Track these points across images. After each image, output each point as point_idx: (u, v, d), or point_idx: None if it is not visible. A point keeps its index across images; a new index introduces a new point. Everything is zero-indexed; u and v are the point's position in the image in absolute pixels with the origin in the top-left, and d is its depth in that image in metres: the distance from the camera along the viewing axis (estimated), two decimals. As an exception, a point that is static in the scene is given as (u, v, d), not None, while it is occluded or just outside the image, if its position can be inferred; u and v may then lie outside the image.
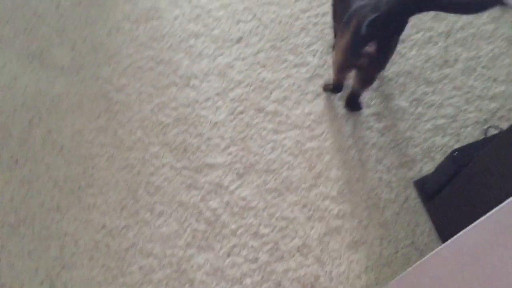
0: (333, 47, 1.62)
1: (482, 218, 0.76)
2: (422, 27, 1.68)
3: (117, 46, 1.62)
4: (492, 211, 0.74)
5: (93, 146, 1.49)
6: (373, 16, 1.21)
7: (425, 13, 1.69)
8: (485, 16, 1.70)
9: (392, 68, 1.62)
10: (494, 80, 1.62)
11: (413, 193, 1.43)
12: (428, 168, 1.46)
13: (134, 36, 1.62)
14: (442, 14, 1.70)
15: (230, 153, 1.48)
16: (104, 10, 1.65)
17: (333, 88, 1.55)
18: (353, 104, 1.54)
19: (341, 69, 1.44)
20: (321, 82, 1.60)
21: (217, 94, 1.57)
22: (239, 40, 1.64)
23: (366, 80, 1.42)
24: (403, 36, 1.51)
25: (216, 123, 1.52)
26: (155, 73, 1.59)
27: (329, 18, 1.69)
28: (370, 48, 1.28)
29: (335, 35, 1.59)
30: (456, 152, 1.25)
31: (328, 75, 1.60)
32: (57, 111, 1.54)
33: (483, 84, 1.61)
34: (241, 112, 1.54)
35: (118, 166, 1.45)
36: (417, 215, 1.39)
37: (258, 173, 1.45)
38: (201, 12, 1.68)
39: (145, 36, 1.62)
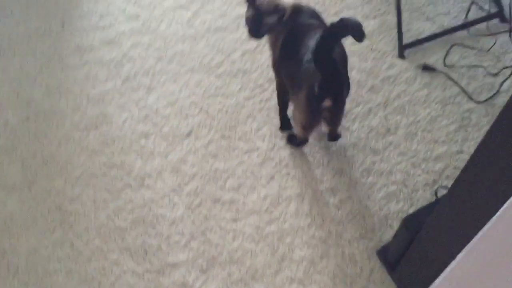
0: (281, 127, 1.69)
1: (440, 278, 0.78)
2: (360, 100, 1.77)
3: (68, 157, 1.63)
4: (447, 269, 0.77)
5: (50, 262, 1.45)
6: (318, 78, 1.33)
7: (362, 86, 1.80)
8: (417, 83, 1.82)
9: (338, 143, 1.68)
10: (436, 141, 1.70)
11: (377, 264, 1.43)
12: (387, 236, 1.48)
13: (84, 145, 1.64)
14: (378, 86, 1.80)
15: (191, 249, 1.47)
16: (53, 123, 1.67)
17: (300, 143, 1.66)
18: (334, 137, 1.67)
19: (308, 128, 1.53)
20: (273, 164, 1.63)
21: (173, 191, 1.58)
22: (189, 134, 1.69)
23: (336, 121, 1.54)
24: (345, 111, 1.59)
25: (174, 220, 1.52)
26: (108, 178, 1.60)
27: (273, 102, 1.76)
28: (327, 102, 1.38)
29: (280, 112, 1.69)
30: (407, 219, 1.29)
31: (276, 153, 1.64)
32: (10, 230, 1.51)
33: (426, 147, 1.69)
34: (198, 205, 1.55)
35: (78, 280, 1.41)
36: (385, 286, 1.39)
37: (221, 265, 1.44)
38: (149, 112, 1.72)
39: (96, 142, 1.64)
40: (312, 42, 1.37)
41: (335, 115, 1.47)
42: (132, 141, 1.66)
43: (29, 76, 1.76)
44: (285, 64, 1.50)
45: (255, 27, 1.46)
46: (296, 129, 1.60)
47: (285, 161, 1.65)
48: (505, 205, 0.74)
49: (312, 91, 1.36)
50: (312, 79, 1.35)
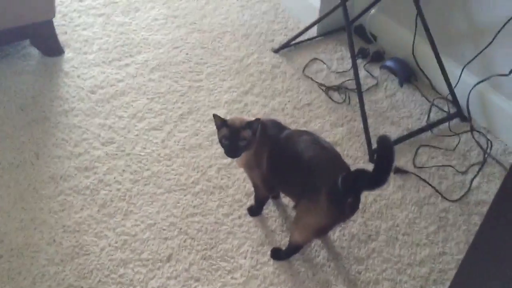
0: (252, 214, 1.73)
1: None
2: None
3: (43, 293, 1.56)
4: None
5: None
6: (343, 175, 1.38)
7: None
8: (391, 186, 1.86)
9: (321, 254, 1.67)
10: (417, 244, 1.70)
11: None
12: None
13: (60, 279, 1.57)
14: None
15: None
16: (27, 259, 1.61)
17: (259, 211, 1.76)
18: None
19: (325, 233, 1.62)
20: (257, 282, 1.59)
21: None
22: (169, 258, 1.65)
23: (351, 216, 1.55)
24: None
25: None
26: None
27: (251, 218, 1.76)
28: (350, 199, 1.42)
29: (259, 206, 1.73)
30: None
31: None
32: None
33: (408, 251, 1.69)
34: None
35: None
36: None
37: None
38: (127, 238, 1.69)
39: (73, 276, 1.58)
40: (302, 146, 1.49)
41: (353, 210, 1.48)
42: (110, 271, 1.60)
43: (2, 211, 1.72)
44: (279, 174, 1.55)
45: (233, 144, 1.50)
46: (305, 238, 1.57)
47: (270, 278, 1.61)
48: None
49: (334, 189, 1.39)
50: (330, 180, 1.40)
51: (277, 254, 1.66)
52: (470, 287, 1.10)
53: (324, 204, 1.42)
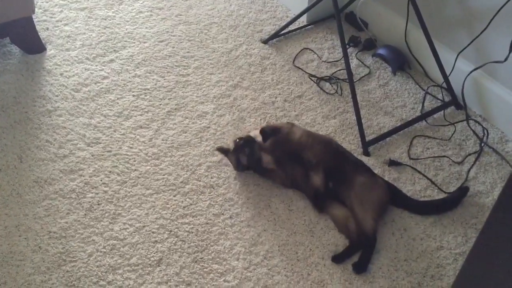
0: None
1: None
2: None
3: (30, 303, 1.51)
4: None
5: None
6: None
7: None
8: (386, 180, 1.81)
9: (315, 253, 1.62)
10: (414, 239, 1.66)
11: None
12: None
13: (47, 288, 1.53)
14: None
15: None
16: (12, 268, 1.56)
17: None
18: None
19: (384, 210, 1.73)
20: (251, 285, 1.55)
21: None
22: (159, 262, 1.60)
23: None
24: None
25: None
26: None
27: (244, 216, 1.71)
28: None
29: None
30: None
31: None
32: None
33: (405, 247, 1.64)
34: None
35: None
36: None
37: None
38: (116, 243, 1.64)
39: (60, 284, 1.53)
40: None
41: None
42: (99, 278, 1.55)
43: (-15, 218, 1.67)
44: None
45: (254, 159, 1.76)
46: (376, 216, 1.64)
47: (263, 280, 1.56)
48: None
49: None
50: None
51: (359, 267, 1.57)
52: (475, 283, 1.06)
53: (380, 179, 1.72)
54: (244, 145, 1.75)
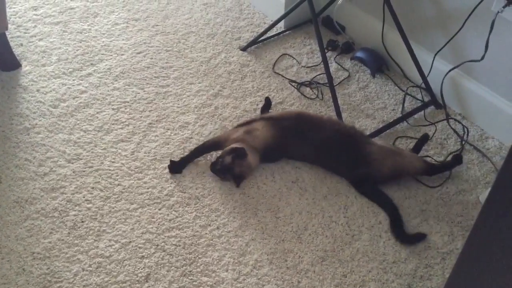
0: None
1: None
2: (319, 209, 1.74)
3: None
4: None
5: None
6: None
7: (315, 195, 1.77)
8: (370, 182, 1.82)
9: (304, 260, 1.62)
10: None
11: None
12: None
13: (33, 311, 1.49)
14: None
15: None
16: (-5, 291, 1.53)
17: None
18: None
19: None
20: (241, 295, 1.54)
21: None
22: (147, 278, 1.57)
23: None
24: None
25: None
26: None
27: (232, 226, 1.69)
28: None
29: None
30: None
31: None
32: None
33: (393, 248, 1.65)
34: None
35: None
36: None
37: None
38: (102, 260, 1.61)
39: (46, 306, 1.50)
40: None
41: None
42: (86, 297, 1.52)
43: (-35, 241, 1.63)
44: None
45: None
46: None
47: (254, 290, 1.56)
48: None
49: None
50: None
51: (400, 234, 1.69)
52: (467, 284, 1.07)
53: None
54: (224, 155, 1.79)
